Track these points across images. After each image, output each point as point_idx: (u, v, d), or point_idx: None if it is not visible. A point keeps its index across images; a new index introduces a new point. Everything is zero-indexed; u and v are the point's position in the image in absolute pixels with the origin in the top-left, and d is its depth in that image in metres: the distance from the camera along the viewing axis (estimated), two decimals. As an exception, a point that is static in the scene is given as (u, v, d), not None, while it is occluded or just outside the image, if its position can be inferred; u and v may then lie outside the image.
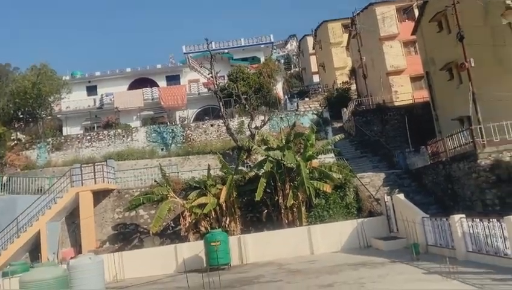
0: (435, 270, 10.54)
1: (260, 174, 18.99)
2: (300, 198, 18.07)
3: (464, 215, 12.00)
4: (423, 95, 29.67)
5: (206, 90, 34.83)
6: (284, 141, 19.51)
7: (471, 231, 11.44)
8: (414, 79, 32.77)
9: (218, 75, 29.53)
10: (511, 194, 15.17)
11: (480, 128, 17.01)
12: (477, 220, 11.29)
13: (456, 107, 21.90)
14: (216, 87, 28.13)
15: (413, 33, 28.47)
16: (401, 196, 16.04)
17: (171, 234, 20.23)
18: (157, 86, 38.41)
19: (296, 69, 65.63)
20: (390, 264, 12.26)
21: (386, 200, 16.81)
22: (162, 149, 29.51)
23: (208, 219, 18.98)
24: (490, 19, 19.23)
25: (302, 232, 16.85)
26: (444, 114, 24.84)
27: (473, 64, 18.21)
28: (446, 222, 12.44)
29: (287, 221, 18.17)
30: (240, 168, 20.87)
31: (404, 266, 11.74)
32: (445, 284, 9.32)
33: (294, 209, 18.26)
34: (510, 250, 9.82)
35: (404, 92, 32.58)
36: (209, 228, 18.20)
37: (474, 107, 18.13)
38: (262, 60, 39.50)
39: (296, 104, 38.11)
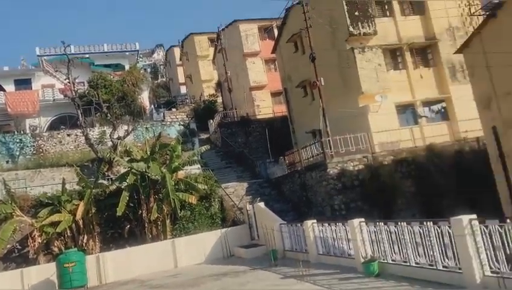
0: (291, 275, 11.27)
1: (123, 187, 18.17)
2: (165, 211, 17.73)
3: (315, 221, 13.05)
4: (282, 109, 31.83)
5: (62, 96, 32.09)
6: (148, 152, 19.04)
7: (322, 235, 12.51)
8: (274, 94, 34.99)
9: (77, 81, 27.52)
10: (354, 200, 17.26)
11: (329, 140, 18.92)
12: (326, 224, 12.37)
13: (309, 121, 23.92)
14: (74, 93, 26.08)
15: (273, 51, 30.44)
16: (262, 204, 16.80)
17: (16, 258, 17.91)
18: (4, 90, 34.11)
19: (163, 79, 64.69)
20: (251, 272, 12.75)
21: (248, 209, 17.49)
22: (8, 161, 26.30)
23: (63, 238, 17.41)
24: (337, 43, 21.63)
25: (166, 245, 16.55)
26: (299, 127, 26.99)
27: (323, 83, 20.17)
28: (300, 227, 13.44)
29: (151, 235, 17.62)
30: (100, 181, 19.71)
31: (264, 273, 12.31)
32: (300, 286, 10.04)
33: (159, 222, 17.83)
34: (353, 251, 10.98)
35: (265, 106, 34.60)
36: (63, 248, 16.66)
37: (324, 121, 20.06)
38: (127, 67, 38.07)
39: (162, 114, 37.54)
